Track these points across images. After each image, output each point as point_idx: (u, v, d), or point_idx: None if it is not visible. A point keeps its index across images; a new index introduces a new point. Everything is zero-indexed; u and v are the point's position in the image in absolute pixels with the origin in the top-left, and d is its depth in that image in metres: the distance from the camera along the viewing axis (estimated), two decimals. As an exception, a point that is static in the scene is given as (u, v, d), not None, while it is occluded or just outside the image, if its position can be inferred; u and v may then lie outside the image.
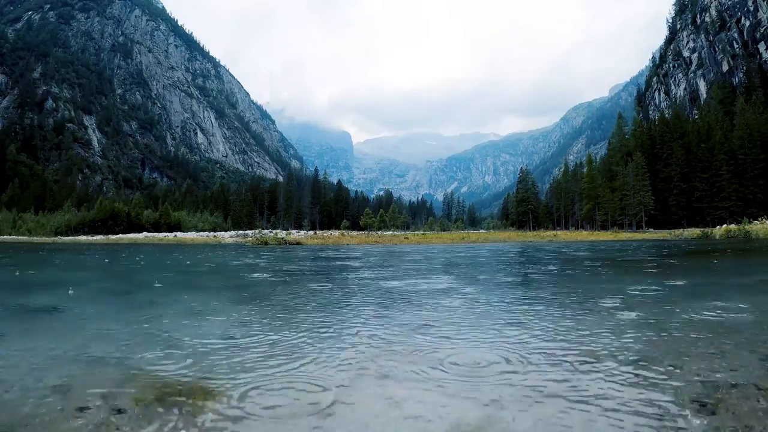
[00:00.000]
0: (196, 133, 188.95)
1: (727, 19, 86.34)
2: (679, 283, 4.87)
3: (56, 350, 2.18)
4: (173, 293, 4.76)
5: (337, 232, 42.25)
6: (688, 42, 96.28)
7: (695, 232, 29.05)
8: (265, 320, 2.94)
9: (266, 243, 21.98)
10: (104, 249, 18.42)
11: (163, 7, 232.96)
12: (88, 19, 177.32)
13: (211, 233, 46.15)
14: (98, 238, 38.13)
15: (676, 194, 53.66)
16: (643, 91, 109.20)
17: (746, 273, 6.67)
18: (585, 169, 66.89)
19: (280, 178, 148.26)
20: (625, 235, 31.73)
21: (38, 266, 9.45)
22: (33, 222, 56.22)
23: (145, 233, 45.12)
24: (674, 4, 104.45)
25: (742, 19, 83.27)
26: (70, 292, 4.54)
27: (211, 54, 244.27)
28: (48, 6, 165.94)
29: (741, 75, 77.54)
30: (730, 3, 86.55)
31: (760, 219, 27.57)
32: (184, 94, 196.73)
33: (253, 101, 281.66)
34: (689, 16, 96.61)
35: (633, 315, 2.95)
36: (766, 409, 1.33)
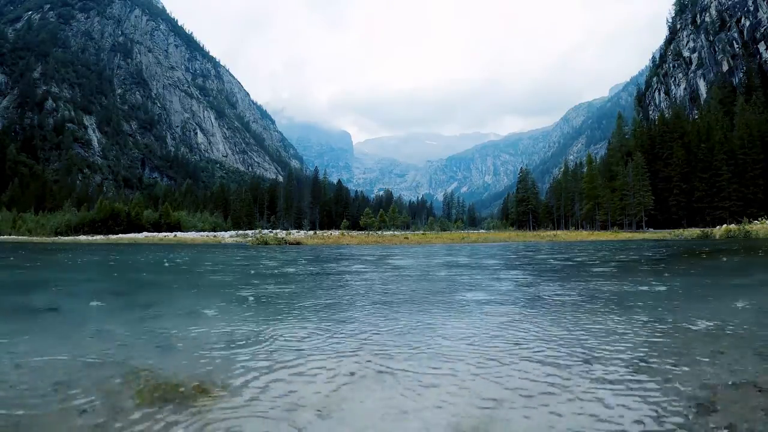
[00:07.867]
0: (196, 133, 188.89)
1: (727, 18, 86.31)
2: (677, 282, 4.87)
3: (56, 350, 2.18)
4: (173, 293, 4.76)
5: (337, 232, 42.24)
6: (688, 42, 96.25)
7: (695, 232, 29.01)
8: (264, 320, 2.94)
9: (266, 243, 21.97)
10: (105, 249, 18.41)
11: (163, 6, 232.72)
12: (88, 19, 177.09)
13: (211, 233, 46.13)
14: (98, 238, 38.11)
15: (676, 194, 53.67)
16: (643, 91, 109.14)
17: (746, 273, 6.67)
18: (585, 169, 66.86)
19: (280, 178, 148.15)
20: (625, 235, 31.73)
21: (39, 267, 9.45)
22: (33, 222, 56.15)
23: (145, 233, 45.09)
24: (674, 4, 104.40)
25: (742, 19, 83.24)
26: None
27: (211, 54, 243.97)
28: (48, 6, 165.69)
29: (741, 75, 77.51)
30: (730, 3, 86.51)
31: (760, 219, 27.55)
32: (184, 94, 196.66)
33: (253, 101, 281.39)
34: (689, 16, 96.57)
35: (631, 314, 2.95)
36: (766, 409, 1.33)
